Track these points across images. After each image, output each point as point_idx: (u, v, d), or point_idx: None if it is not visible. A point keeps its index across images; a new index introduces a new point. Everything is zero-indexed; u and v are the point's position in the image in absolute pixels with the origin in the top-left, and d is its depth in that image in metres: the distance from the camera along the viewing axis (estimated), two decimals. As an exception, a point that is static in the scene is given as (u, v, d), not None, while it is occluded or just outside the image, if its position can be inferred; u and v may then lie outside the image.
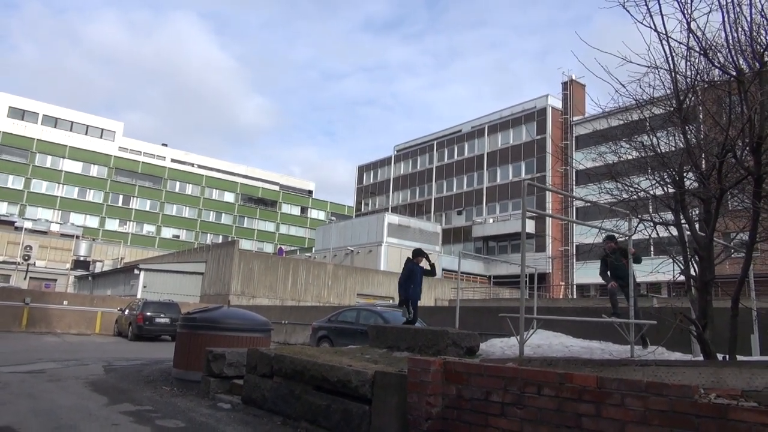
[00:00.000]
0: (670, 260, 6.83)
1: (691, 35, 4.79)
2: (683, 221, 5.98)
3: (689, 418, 3.16)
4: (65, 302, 23.62)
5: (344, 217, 72.20)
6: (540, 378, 3.75)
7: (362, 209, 68.15)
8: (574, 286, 44.65)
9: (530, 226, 48.62)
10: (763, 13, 4.70)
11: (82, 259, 51.10)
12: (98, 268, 49.47)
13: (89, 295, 28.99)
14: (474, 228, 52.84)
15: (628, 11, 4.85)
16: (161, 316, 20.35)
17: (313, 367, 5.81)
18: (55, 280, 49.21)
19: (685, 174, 5.65)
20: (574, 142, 49.22)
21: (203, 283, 32.39)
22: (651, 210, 7.10)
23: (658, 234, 7.61)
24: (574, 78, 51.61)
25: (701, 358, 7.11)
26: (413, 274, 9.84)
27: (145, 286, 29.62)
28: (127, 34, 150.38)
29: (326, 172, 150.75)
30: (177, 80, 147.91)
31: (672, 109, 5.57)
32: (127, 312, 21.44)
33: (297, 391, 6.00)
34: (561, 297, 40.24)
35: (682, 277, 6.58)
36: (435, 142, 60.83)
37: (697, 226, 6.36)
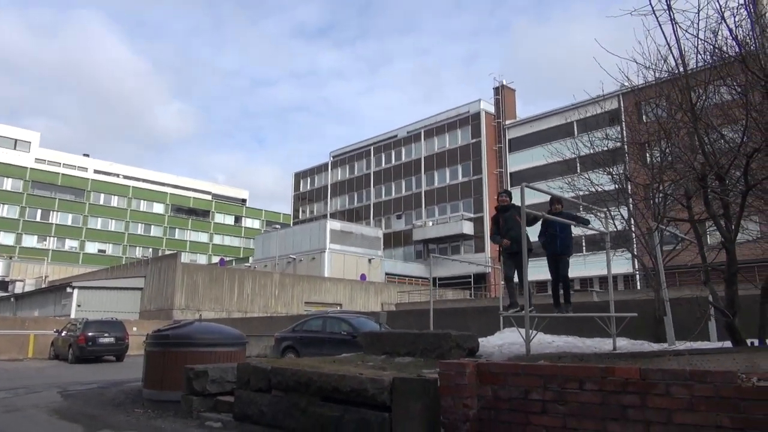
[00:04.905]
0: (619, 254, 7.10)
1: (732, 42, 5.06)
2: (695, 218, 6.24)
3: (734, 401, 3.32)
4: (-9, 326, 21.85)
5: (281, 225, 71.03)
6: (581, 373, 3.84)
7: (300, 217, 67.34)
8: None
9: (468, 228, 49.75)
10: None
11: (-1, 279, 47.57)
12: (19, 287, 46.13)
13: (18, 318, 26.94)
14: (414, 231, 53.40)
15: (655, 14, 5.08)
16: (105, 335, 19.25)
17: (320, 378, 5.66)
18: (-30, 303, 45.46)
19: (707, 173, 5.96)
20: (507, 144, 50.98)
21: (143, 298, 30.89)
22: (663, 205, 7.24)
23: (615, 227, 7.97)
24: (504, 83, 53.48)
25: (675, 347, 7.53)
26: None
27: (79, 305, 27.86)
28: (27, 34, 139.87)
29: (257, 179, 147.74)
30: (92, 87, 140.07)
31: (684, 110, 5.89)
32: (65, 333, 20.11)
33: (302, 403, 5.82)
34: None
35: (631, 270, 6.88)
36: (372, 148, 61.05)
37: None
